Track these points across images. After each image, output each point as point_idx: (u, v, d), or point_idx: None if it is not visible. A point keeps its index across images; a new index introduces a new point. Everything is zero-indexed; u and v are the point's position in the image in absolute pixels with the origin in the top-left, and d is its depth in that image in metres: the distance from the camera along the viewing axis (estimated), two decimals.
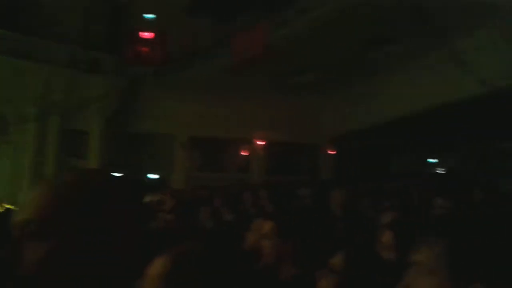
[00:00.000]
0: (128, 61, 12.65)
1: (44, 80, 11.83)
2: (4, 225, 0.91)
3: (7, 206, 8.06)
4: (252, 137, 13.59)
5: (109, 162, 12.60)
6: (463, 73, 8.13)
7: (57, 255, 0.68)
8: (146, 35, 12.20)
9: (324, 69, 10.48)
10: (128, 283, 0.73)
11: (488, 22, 7.97)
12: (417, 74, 9.95)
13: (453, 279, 1.18)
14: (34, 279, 0.68)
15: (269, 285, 2.30)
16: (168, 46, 12.56)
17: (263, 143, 13.79)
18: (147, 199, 6.18)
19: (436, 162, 15.57)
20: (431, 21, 7.34)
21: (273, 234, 2.28)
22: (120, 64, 12.76)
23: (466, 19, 7.82)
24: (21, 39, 11.73)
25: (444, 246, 1.23)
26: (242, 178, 13.31)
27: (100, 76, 12.42)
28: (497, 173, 6.10)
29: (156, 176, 13.91)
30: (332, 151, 14.17)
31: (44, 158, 12.12)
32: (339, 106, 13.09)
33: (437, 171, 14.47)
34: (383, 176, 11.41)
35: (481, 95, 8.39)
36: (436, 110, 9.67)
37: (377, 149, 14.15)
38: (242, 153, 14.01)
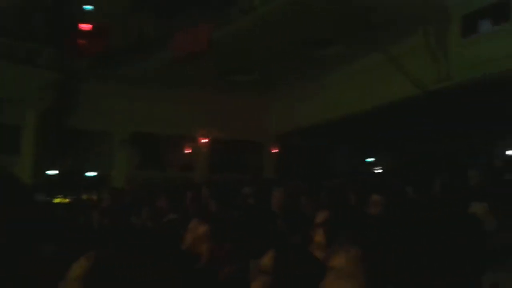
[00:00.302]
0: (66, 53, 12.11)
1: None
2: None
3: None
4: (195, 135, 13.45)
5: (44, 159, 12.04)
6: (399, 76, 8.48)
7: None
8: (85, 27, 11.70)
9: (268, 67, 10.56)
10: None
11: (422, 27, 8.36)
12: (357, 75, 10.27)
13: (370, 284, 1.19)
14: None
15: (207, 286, 2.28)
16: (108, 39, 12.14)
17: (207, 140, 13.68)
18: (84, 197, 5.98)
19: (373, 161, 16.13)
20: (370, 24, 7.59)
21: (207, 237, 2.25)
22: (59, 57, 12.19)
23: (402, 23, 8.16)
24: None
25: (361, 249, 1.23)
26: (186, 176, 13.17)
27: (36, 69, 11.80)
28: (431, 173, 6.38)
29: (94, 174, 13.45)
30: (276, 150, 14.31)
31: None
32: (282, 104, 13.26)
33: (374, 170, 14.99)
34: (323, 174, 11.67)
35: (416, 97, 8.80)
36: (374, 110, 10.05)
37: (319, 148, 14.47)
38: (186, 151, 13.81)
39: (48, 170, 12.74)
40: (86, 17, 12.03)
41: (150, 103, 12.61)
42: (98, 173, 13.52)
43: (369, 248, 1.25)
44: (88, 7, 12.08)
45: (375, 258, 1.22)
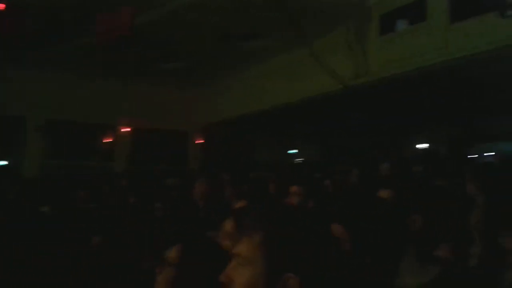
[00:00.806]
0: None
1: None
2: None
3: None
4: (116, 123, 12.96)
5: None
6: (321, 70, 8.73)
7: None
8: None
9: (193, 57, 10.42)
10: None
11: (344, 24, 8.66)
12: (281, 69, 10.44)
13: (269, 270, 1.20)
14: None
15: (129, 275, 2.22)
16: (23, 20, 11.28)
17: (129, 129, 13.25)
18: None
19: (296, 153, 16.57)
20: (293, 19, 7.72)
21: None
22: None
23: (325, 20, 8.39)
24: None
25: (263, 236, 1.24)
26: (106, 166, 12.68)
27: None
28: (349, 165, 6.67)
29: (3, 163, 12.52)
30: (201, 140, 14.21)
31: None
32: (208, 94, 13.17)
33: (297, 162, 15.41)
34: (248, 165, 11.79)
35: (337, 92, 9.12)
36: (297, 104, 10.29)
37: (244, 139, 14.59)
38: (106, 140, 13.27)
39: None
40: None
41: (68, 89, 11.92)
42: (9, 162, 12.61)
43: (271, 235, 1.25)
44: None
45: (276, 245, 1.23)
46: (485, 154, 12.56)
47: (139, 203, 5.06)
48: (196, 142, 14.20)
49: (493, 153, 11.86)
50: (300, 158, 16.28)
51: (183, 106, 13.25)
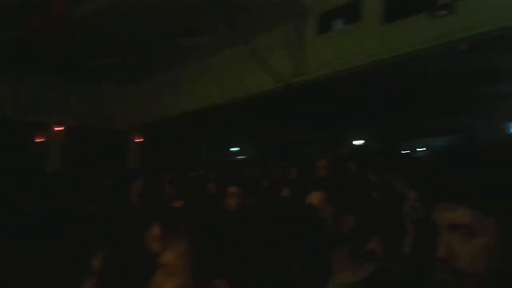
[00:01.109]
0: None
1: None
2: None
3: None
4: (49, 121, 12.35)
5: None
6: (261, 69, 8.76)
7: None
8: None
9: (131, 53, 10.12)
10: None
11: (282, 23, 8.74)
12: (221, 66, 10.38)
13: (198, 278, 1.18)
14: None
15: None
16: None
17: (62, 128, 12.66)
18: None
19: (238, 150, 16.59)
20: (230, 17, 7.69)
21: None
22: None
23: (264, 18, 8.42)
24: None
25: (191, 244, 1.22)
26: (38, 166, 12.04)
27: None
28: (288, 162, 6.74)
29: None
30: (141, 139, 13.86)
31: None
32: (148, 92, 12.85)
33: (238, 160, 15.43)
34: (189, 164, 11.64)
35: (276, 90, 9.19)
36: (237, 101, 10.28)
37: (185, 137, 14.39)
38: (37, 139, 12.61)
39: None
40: None
41: None
42: None
43: (200, 242, 1.22)
44: None
45: (206, 252, 1.20)
46: (417, 149, 13.17)
47: (71, 206, 4.83)
48: (135, 140, 13.82)
49: (424, 148, 12.45)
50: (242, 156, 16.32)
51: (121, 104, 12.86)
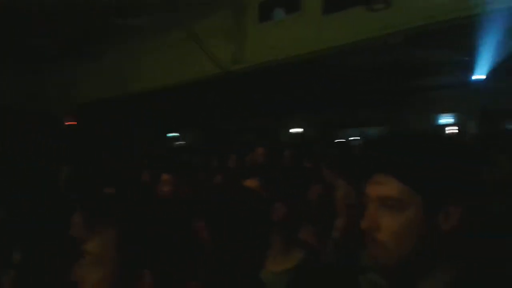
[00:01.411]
0: None
1: None
2: None
3: None
4: None
5: None
6: (201, 54, 8.63)
7: None
8: None
9: (60, 33, 9.60)
10: None
11: (223, 8, 8.63)
12: (160, 49, 10.09)
13: (123, 268, 1.15)
14: None
15: None
16: None
17: None
18: None
19: (176, 136, 16.35)
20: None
21: None
22: None
23: (203, 2, 8.27)
24: None
25: (116, 233, 1.18)
26: None
27: None
28: (227, 150, 6.72)
29: None
30: (73, 122, 13.27)
31: None
32: (82, 74, 12.26)
33: (176, 146, 15.22)
34: (123, 151, 11.31)
35: (216, 77, 9.10)
36: (176, 86, 10.08)
37: (120, 122, 13.93)
38: None
39: None
40: None
41: None
42: None
43: (125, 231, 1.18)
44: None
45: (132, 241, 1.17)
46: (352, 138, 13.59)
47: None
48: (67, 124, 13.22)
49: (358, 138, 12.87)
50: (180, 142, 16.11)
51: (51, 86, 12.20)
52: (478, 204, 1.01)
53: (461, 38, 7.37)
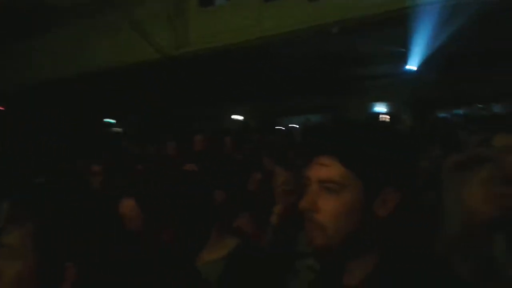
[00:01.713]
0: None
1: None
2: None
3: None
4: None
5: None
6: (140, 39, 8.37)
7: None
8: None
9: None
10: None
11: None
12: (96, 32, 9.67)
13: (44, 261, 1.13)
14: None
15: None
16: None
17: None
18: None
19: (113, 123, 15.84)
20: None
21: None
22: None
23: None
24: None
25: (35, 226, 1.15)
26: None
27: None
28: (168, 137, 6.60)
29: None
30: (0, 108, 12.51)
31: None
32: (10, 56, 11.53)
33: (114, 132, 14.76)
34: (52, 138, 10.77)
35: (157, 62, 8.86)
36: (115, 71, 9.71)
37: (50, 107, 13.22)
38: None
39: None
40: None
41: None
42: None
43: (44, 224, 1.15)
44: None
45: (52, 234, 1.14)
46: (292, 125, 13.75)
47: None
48: None
49: (297, 126, 13.05)
50: (119, 128, 15.63)
51: None
52: (413, 192, 1.05)
53: (396, 30, 7.62)
